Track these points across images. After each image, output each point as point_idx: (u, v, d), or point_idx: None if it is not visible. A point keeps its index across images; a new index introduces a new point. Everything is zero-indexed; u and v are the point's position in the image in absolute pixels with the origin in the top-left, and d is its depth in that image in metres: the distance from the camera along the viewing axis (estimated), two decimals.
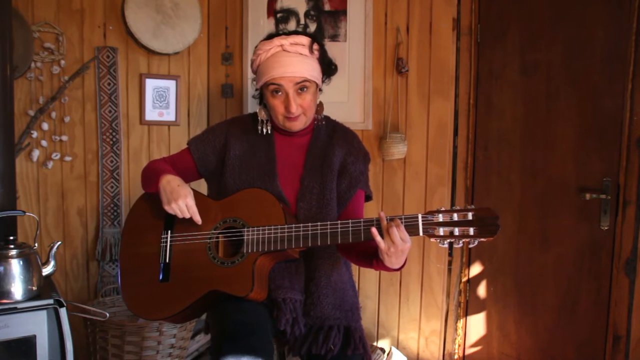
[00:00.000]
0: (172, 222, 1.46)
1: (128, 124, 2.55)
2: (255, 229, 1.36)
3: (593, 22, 2.08)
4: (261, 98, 1.57)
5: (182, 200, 1.37)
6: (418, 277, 2.48)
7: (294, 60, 1.42)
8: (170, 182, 1.40)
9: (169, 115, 2.62)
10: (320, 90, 1.55)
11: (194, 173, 1.58)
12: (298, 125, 1.48)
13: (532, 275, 2.29)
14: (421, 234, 1.26)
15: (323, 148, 1.52)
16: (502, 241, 2.33)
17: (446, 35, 2.37)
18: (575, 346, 2.19)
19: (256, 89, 1.60)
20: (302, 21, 2.56)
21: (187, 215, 1.39)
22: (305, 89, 1.44)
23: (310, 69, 1.44)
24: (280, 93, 1.44)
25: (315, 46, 1.47)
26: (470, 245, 1.25)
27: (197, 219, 1.40)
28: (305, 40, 1.45)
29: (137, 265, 1.46)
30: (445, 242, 1.26)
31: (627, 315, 2.01)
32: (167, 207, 1.39)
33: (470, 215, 1.24)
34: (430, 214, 1.26)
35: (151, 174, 1.48)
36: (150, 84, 2.56)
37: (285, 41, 1.43)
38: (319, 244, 1.33)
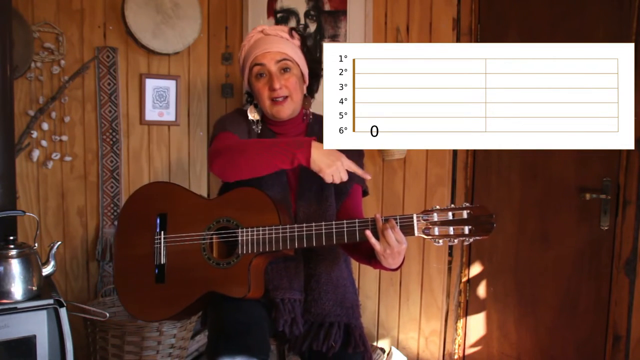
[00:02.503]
0: (165, 222, 1.45)
1: (128, 124, 2.55)
2: (250, 229, 1.36)
3: (593, 22, 2.08)
4: (251, 100, 1.59)
5: (344, 158, 1.32)
6: (418, 277, 2.48)
7: (274, 40, 1.48)
8: (319, 147, 1.32)
9: (169, 115, 2.62)
10: (313, 97, 1.58)
11: None
12: (285, 110, 1.48)
13: (532, 275, 2.29)
14: (416, 234, 1.26)
15: None
16: (502, 241, 2.33)
17: (446, 35, 2.37)
18: (575, 346, 2.19)
19: (245, 92, 1.62)
20: (302, 21, 2.56)
21: (346, 177, 1.32)
22: (288, 70, 1.47)
23: (290, 49, 1.49)
24: (264, 75, 1.47)
25: (295, 34, 1.52)
26: (466, 243, 1.25)
27: (361, 172, 1.36)
28: (285, 27, 1.53)
29: (132, 267, 1.46)
30: (441, 241, 1.26)
31: (627, 315, 2.01)
32: (328, 171, 1.30)
33: (465, 214, 1.24)
34: (425, 214, 1.27)
35: (275, 146, 1.34)
36: (150, 84, 2.56)
37: (266, 27, 1.52)
38: (314, 244, 1.33)
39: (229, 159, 1.37)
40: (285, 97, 1.47)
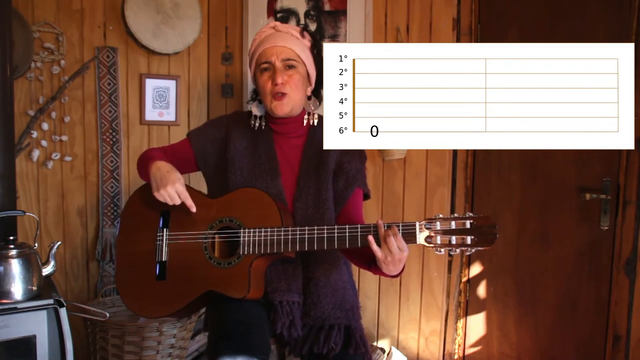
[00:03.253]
0: (168, 219, 1.46)
1: (128, 124, 2.55)
2: (252, 230, 1.36)
3: (593, 22, 2.08)
4: (255, 97, 1.59)
5: (171, 186, 1.37)
6: (418, 277, 2.48)
7: (284, 37, 1.49)
8: (160, 169, 1.40)
9: (169, 115, 2.62)
10: (320, 101, 1.58)
11: (193, 165, 1.59)
12: (283, 107, 1.47)
13: (532, 275, 2.29)
14: (418, 242, 1.26)
15: (319, 148, 1.51)
16: (502, 241, 2.33)
17: (446, 35, 2.37)
18: (575, 346, 2.19)
19: (252, 90, 1.62)
20: (302, 21, 2.56)
21: (178, 202, 1.38)
22: (292, 67, 1.48)
23: (299, 48, 1.49)
24: (268, 69, 1.48)
25: (306, 34, 1.53)
26: (467, 253, 1.24)
27: (190, 203, 1.39)
28: (297, 27, 1.54)
29: (134, 263, 1.46)
30: (442, 250, 1.25)
31: (627, 315, 2.01)
32: (156, 194, 1.38)
33: (468, 224, 1.24)
34: (428, 222, 1.26)
35: (144, 162, 1.49)
36: (150, 84, 2.56)
37: (279, 23, 1.53)
38: (315, 248, 1.33)
39: (141, 164, 1.53)
40: (285, 94, 1.46)
